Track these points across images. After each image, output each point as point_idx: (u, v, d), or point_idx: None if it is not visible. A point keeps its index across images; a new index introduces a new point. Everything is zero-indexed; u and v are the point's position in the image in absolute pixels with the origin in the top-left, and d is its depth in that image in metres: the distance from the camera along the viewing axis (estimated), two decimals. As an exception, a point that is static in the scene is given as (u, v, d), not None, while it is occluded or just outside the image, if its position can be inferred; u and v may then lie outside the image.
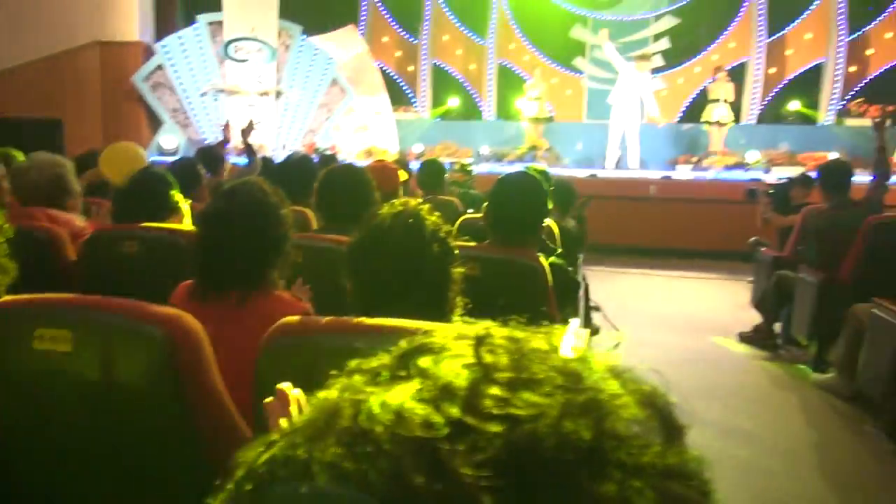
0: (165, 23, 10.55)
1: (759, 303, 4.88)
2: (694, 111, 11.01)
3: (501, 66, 12.02)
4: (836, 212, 4.28)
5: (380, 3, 12.08)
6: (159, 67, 10.01)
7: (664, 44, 11.47)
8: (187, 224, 2.67)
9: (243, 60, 10.16)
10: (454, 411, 0.34)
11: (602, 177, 8.72)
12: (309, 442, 0.35)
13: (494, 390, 0.35)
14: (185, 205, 2.73)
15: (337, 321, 1.29)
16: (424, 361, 0.38)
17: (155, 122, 10.20)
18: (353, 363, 0.41)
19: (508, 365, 0.37)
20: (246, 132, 4.63)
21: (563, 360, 0.38)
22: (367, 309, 1.30)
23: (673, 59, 11.47)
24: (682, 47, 11.48)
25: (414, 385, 0.36)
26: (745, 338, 4.81)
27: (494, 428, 0.33)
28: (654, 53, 10.79)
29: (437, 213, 1.47)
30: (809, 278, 4.21)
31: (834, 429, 3.45)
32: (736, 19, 11.34)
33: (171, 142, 9.92)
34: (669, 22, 11.48)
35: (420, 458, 0.33)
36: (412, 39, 12.10)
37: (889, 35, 10.69)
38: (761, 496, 2.79)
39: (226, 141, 5.12)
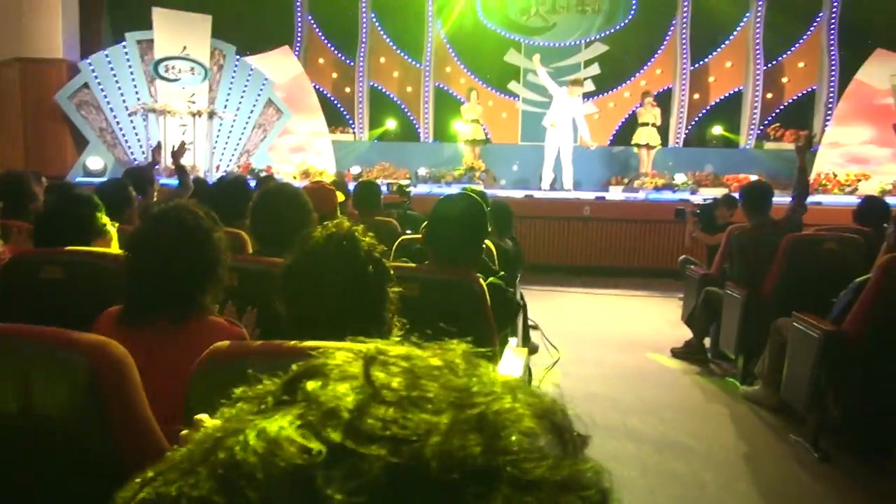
0: (91, 40, 10.22)
1: (689, 319, 5.05)
2: (624, 134, 11.40)
3: (438, 88, 12.16)
4: (758, 231, 4.48)
5: (315, 25, 12.07)
6: (85, 86, 9.67)
7: (594, 69, 11.88)
8: (115, 248, 2.56)
9: (175, 80, 9.93)
10: (335, 436, 0.33)
11: (538, 198, 8.89)
12: (183, 477, 0.34)
13: (381, 411, 0.34)
14: (112, 228, 2.62)
15: (269, 345, 1.26)
16: (312, 384, 0.37)
17: (81, 142, 9.82)
18: (238, 390, 0.40)
19: (400, 384, 0.36)
20: (177, 153, 4.51)
21: (456, 376, 0.37)
22: (301, 332, 1.27)
23: (604, 84, 11.89)
24: (612, 73, 11.91)
25: (296, 410, 0.35)
26: (677, 353, 4.96)
27: (376, 450, 0.33)
28: (585, 78, 11.13)
29: (371, 234, 1.46)
30: (735, 294, 4.38)
31: (762, 439, 3.58)
32: (661, 48, 11.85)
33: (97, 162, 9.56)
34: (599, 49, 11.91)
35: (294, 487, 0.32)
36: (348, 61, 12.11)
37: (801, 65, 11.39)
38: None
39: (155, 162, 4.97)
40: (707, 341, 4.87)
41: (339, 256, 1.38)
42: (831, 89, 10.92)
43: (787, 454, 3.37)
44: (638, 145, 10.07)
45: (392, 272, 1.46)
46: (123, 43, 9.86)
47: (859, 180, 9.55)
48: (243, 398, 0.39)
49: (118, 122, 9.83)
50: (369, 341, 0.41)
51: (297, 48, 11.71)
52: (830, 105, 10.84)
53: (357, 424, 0.34)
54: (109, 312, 1.67)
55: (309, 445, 0.33)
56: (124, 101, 9.82)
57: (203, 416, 0.81)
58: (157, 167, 4.91)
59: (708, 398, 4.19)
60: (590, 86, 11.74)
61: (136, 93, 9.87)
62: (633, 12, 11.89)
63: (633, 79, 11.94)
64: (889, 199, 5.80)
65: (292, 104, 10.86)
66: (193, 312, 1.64)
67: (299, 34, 11.83)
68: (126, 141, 9.91)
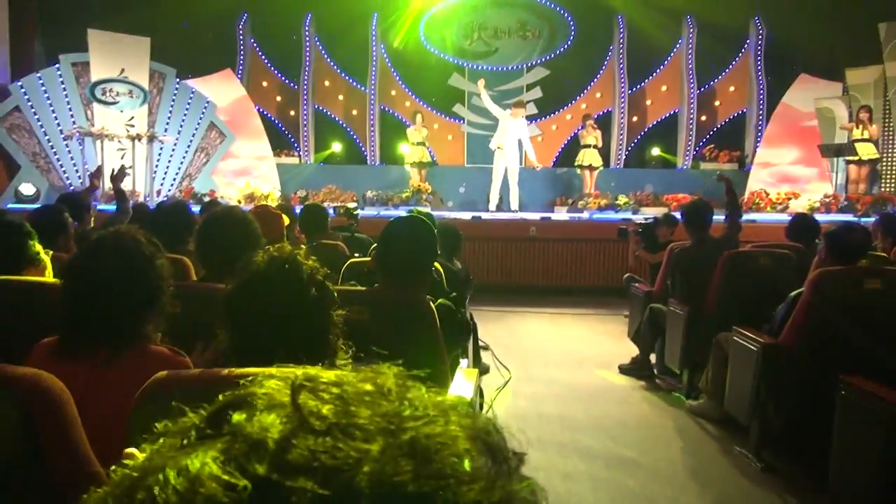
0: (23, 62, 9.87)
1: (635, 336, 5.15)
2: (567, 156, 11.67)
3: (383, 111, 12.21)
4: (698, 248, 4.62)
5: (258, 49, 11.98)
6: (16, 109, 9.33)
7: (537, 93, 12.15)
8: (49, 277, 2.46)
9: (112, 103, 9.67)
10: (261, 469, 0.33)
11: (485, 219, 8.97)
12: None
13: (309, 441, 0.34)
14: (46, 256, 2.52)
15: (208, 373, 1.22)
16: (238, 416, 0.36)
17: (12, 167, 9.44)
18: (160, 425, 0.39)
19: (330, 410, 0.36)
20: (117, 178, 4.38)
21: (388, 401, 0.37)
22: (244, 358, 1.24)
23: (546, 107, 12.16)
24: (554, 97, 12.22)
25: (220, 444, 0.34)
26: (624, 370, 5.04)
27: (304, 482, 0.32)
28: (528, 101, 11.36)
29: (313, 257, 1.45)
30: (678, 311, 4.49)
31: (708, 452, 3.66)
32: (600, 72, 12.22)
33: (29, 188, 9.19)
34: (540, 73, 12.20)
35: None
36: (293, 85, 12.05)
37: (732, 88, 11.91)
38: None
39: (94, 187, 4.81)
40: (653, 357, 4.97)
41: (280, 280, 1.36)
42: (760, 112, 11.44)
43: (731, 465, 3.45)
44: (581, 166, 10.30)
45: (337, 295, 1.45)
46: (57, 65, 9.57)
47: (789, 198, 9.99)
48: (166, 433, 0.38)
49: (52, 147, 9.50)
50: (301, 367, 0.41)
51: (240, 71, 11.59)
52: (760, 127, 11.35)
53: (284, 456, 0.33)
54: (43, 344, 1.59)
55: (232, 481, 0.32)
56: (59, 125, 9.51)
57: (133, 451, 0.78)
58: (95, 192, 4.75)
59: (655, 413, 4.27)
60: (532, 109, 11.98)
61: (72, 116, 9.57)
62: (571, 38, 12.24)
63: (574, 102, 12.26)
64: (818, 216, 6.08)
65: (236, 127, 10.72)
66: (134, 342, 1.58)
67: (242, 57, 11.71)
68: (61, 166, 9.58)
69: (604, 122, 11.29)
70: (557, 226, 8.78)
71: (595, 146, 10.23)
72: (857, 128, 9.46)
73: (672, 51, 11.94)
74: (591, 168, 10.25)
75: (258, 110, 11.27)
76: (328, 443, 0.34)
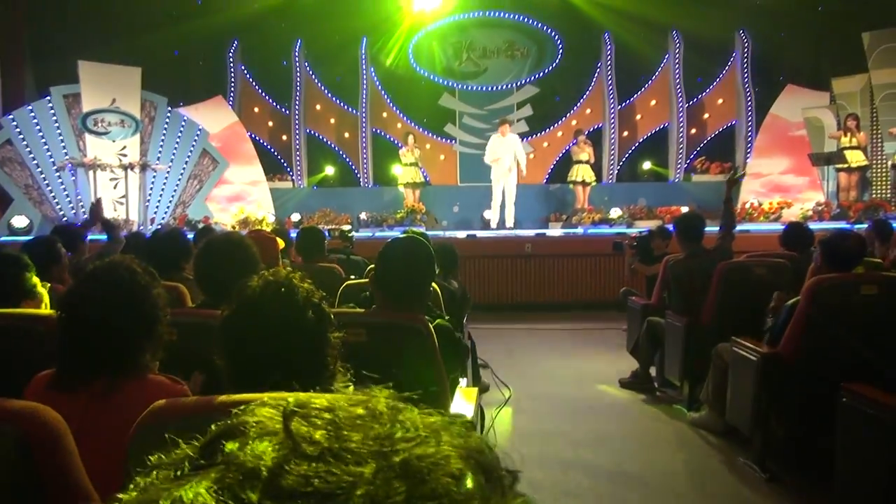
0: (13, 95, 9.90)
1: (633, 349, 5.13)
2: (559, 172, 11.74)
3: (375, 133, 12.27)
4: (692, 260, 4.64)
5: (248, 75, 12.05)
6: (8, 142, 9.34)
7: (527, 111, 12.25)
8: (46, 309, 2.45)
9: (104, 133, 9.70)
10: (254, 497, 0.33)
11: (481, 237, 8.98)
12: None
13: (302, 466, 0.34)
14: (43, 289, 2.51)
15: (205, 400, 1.21)
16: (231, 445, 0.36)
17: (4, 200, 9.42)
18: (153, 457, 0.39)
19: (323, 436, 0.36)
20: (96, 209, 4.40)
21: (380, 424, 0.38)
22: (242, 384, 1.24)
23: (537, 125, 12.25)
24: (545, 114, 12.31)
25: (214, 474, 0.35)
26: (624, 384, 5.02)
27: None
28: (518, 119, 11.43)
29: (309, 280, 1.44)
30: (675, 323, 4.49)
31: (711, 463, 3.64)
32: (589, 89, 12.33)
33: (22, 221, 9.17)
34: (530, 91, 12.31)
35: None
36: (284, 110, 12.11)
37: (720, 101, 12.02)
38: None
39: (94, 221, 4.79)
40: (653, 370, 4.96)
41: (277, 304, 1.35)
42: (749, 123, 11.54)
43: (735, 476, 3.43)
44: (574, 182, 10.35)
45: (334, 318, 1.44)
46: (48, 97, 9.60)
47: (782, 208, 10.05)
48: (159, 465, 0.38)
49: (44, 178, 9.50)
50: (293, 394, 0.41)
51: (231, 98, 11.65)
52: (750, 138, 11.45)
53: (277, 483, 0.33)
54: (42, 376, 1.58)
55: None
56: (51, 157, 9.51)
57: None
58: (92, 224, 4.74)
59: (657, 426, 4.25)
60: (523, 126, 12.08)
61: (64, 147, 9.58)
62: (559, 56, 12.36)
63: (564, 119, 12.35)
64: (811, 225, 6.11)
65: (228, 153, 10.75)
66: (132, 372, 1.57)
67: (232, 84, 11.78)
68: (54, 197, 9.57)
69: (594, 138, 11.37)
70: (552, 242, 8.80)
71: (588, 162, 10.28)
72: (846, 136, 9.55)
73: (659, 65, 12.06)
74: (584, 184, 10.30)
75: (250, 136, 11.32)
76: (321, 468, 0.34)
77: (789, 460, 3.51)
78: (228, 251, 2.53)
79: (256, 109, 12.08)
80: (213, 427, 0.39)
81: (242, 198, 10.82)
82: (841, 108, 10.40)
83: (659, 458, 3.71)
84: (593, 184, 10.47)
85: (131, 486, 0.37)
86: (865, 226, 6.01)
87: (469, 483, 0.36)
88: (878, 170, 10.26)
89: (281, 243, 3.90)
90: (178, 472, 0.36)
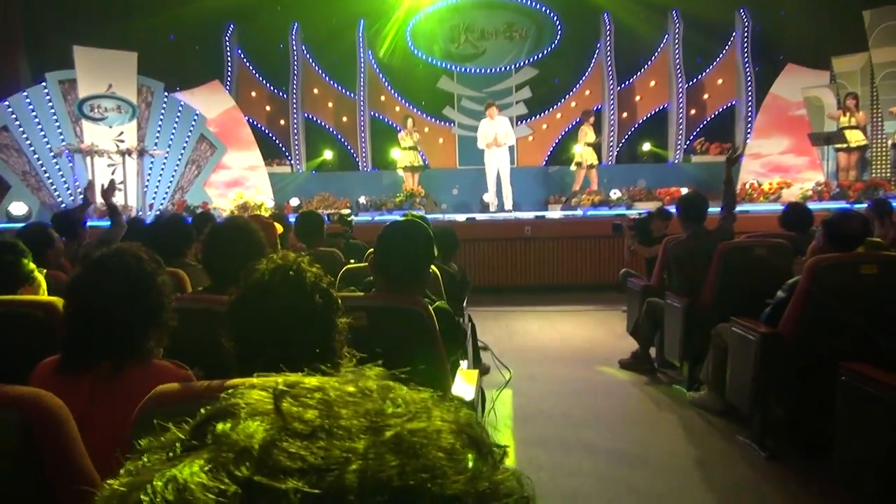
0: (8, 82, 9.84)
1: (633, 330, 5.15)
2: (559, 154, 11.69)
3: (373, 117, 12.21)
4: (694, 241, 4.63)
5: (245, 59, 11.97)
6: (4, 128, 9.29)
7: (526, 93, 12.18)
8: (44, 294, 2.45)
9: (101, 119, 9.65)
10: (247, 473, 0.33)
11: (480, 220, 8.97)
12: None
13: (292, 444, 0.34)
14: (40, 274, 2.50)
15: (213, 384, 1.22)
16: (222, 426, 0.37)
17: (2, 187, 9.40)
18: (144, 441, 0.39)
19: (314, 414, 0.36)
20: (108, 192, 4.36)
21: (370, 401, 0.38)
22: (249, 368, 1.24)
23: (536, 107, 12.18)
24: (544, 96, 12.23)
25: (206, 454, 0.35)
26: (625, 364, 5.04)
27: (293, 483, 0.33)
28: (514, 102, 11.35)
29: (317, 265, 1.44)
30: (675, 304, 4.50)
31: (711, 443, 3.66)
32: (588, 70, 12.25)
33: (20, 207, 9.16)
34: (529, 73, 12.22)
35: None
36: (282, 94, 12.04)
37: (720, 81, 11.95)
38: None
39: (88, 203, 4.79)
40: (653, 351, 4.97)
41: (285, 289, 1.35)
42: (749, 103, 11.48)
43: (735, 455, 3.45)
44: (580, 165, 10.29)
45: (339, 302, 1.44)
46: (44, 83, 9.54)
47: (782, 188, 10.03)
48: (149, 449, 0.38)
49: (42, 165, 9.47)
50: (283, 375, 0.41)
51: (228, 82, 11.58)
52: (750, 118, 11.39)
53: (268, 460, 0.34)
54: (47, 362, 1.59)
55: (222, 487, 0.33)
56: (48, 143, 9.47)
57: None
58: (89, 208, 4.73)
59: (657, 407, 4.27)
60: (522, 109, 12.02)
61: (60, 134, 9.53)
62: (558, 37, 12.27)
63: (563, 101, 12.28)
64: (811, 205, 6.10)
65: (226, 138, 10.71)
66: (137, 357, 1.57)
67: (229, 68, 11.70)
68: (51, 183, 9.54)
69: (594, 120, 11.28)
70: (552, 224, 8.79)
71: (593, 144, 10.23)
72: (845, 115, 9.51)
73: (659, 46, 11.98)
74: (591, 166, 10.24)
75: (248, 121, 11.27)
76: (313, 444, 0.34)
77: (788, 439, 3.53)
78: (234, 236, 2.53)
79: (254, 94, 12.02)
80: (202, 410, 0.39)
81: (241, 183, 10.80)
82: (841, 87, 10.35)
83: (659, 438, 3.73)
84: (597, 166, 10.42)
85: (122, 471, 0.37)
86: (865, 206, 6.00)
87: (460, 457, 0.36)
88: (878, 149, 10.23)
89: (280, 228, 3.89)
90: (170, 454, 0.37)
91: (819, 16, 10.50)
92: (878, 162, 10.29)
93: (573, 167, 10.39)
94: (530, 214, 9.34)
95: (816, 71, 10.74)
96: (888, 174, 9.90)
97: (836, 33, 10.57)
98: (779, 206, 7.03)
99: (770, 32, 11.50)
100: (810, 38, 10.91)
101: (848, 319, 3.17)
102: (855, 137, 9.46)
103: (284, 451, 0.34)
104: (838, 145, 9.61)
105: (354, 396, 0.38)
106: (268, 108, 12.12)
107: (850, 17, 10.03)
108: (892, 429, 2.53)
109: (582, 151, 10.20)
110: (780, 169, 10.72)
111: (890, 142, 9.66)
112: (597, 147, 10.38)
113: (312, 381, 0.40)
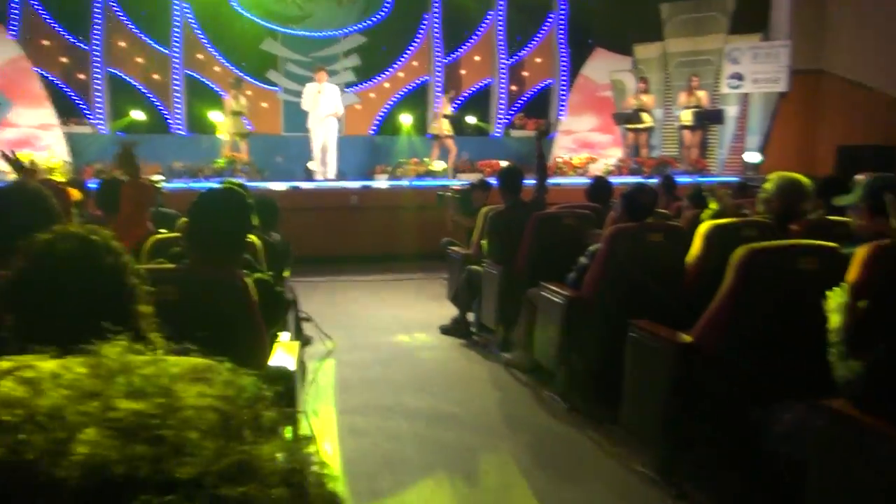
0: None
1: (453, 297, 5.36)
2: (386, 123, 11.71)
3: (189, 77, 11.38)
4: (511, 211, 4.89)
5: (35, 3, 10.56)
6: None
7: (354, 60, 11.99)
8: None
9: None
10: None
11: (304, 189, 8.77)
12: None
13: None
14: None
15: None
16: None
17: None
18: None
19: (18, 399, 0.36)
20: None
21: (100, 382, 0.37)
22: (32, 341, 1.13)
23: (364, 75, 12.05)
24: (372, 65, 12.12)
25: None
26: (445, 330, 5.25)
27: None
28: (341, 69, 11.18)
29: (114, 235, 1.34)
30: (492, 271, 4.75)
31: (521, 399, 3.95)
32: (416, 41, 12.33)
33: None
34: (357, 40, 12.04)
35: None
36: (81, 44, 10.80)
37: (538, 60, 12.61)
38: (470, 473, 3.08)
39: None
40: (471, 316, 5.22)
41: (72, 261, 1.25)
42: (563, 83, 12.26)
43: (541, 409, 3.76)
44: (439, 137, 10.43)
45: (143, 274, 1.35)
46: None
47: (588, 163, 10.89)
48: None
49: None
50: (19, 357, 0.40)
51: (14, 28, 10.17)
52: (563, 97, 12.17)
53: None
54: None
55: None
56: None
57: None
58: None
59: (473, 369, 4.51)
60: (350, 76, 11.85)
61: None
62: (388, 6, 12.19)
63: (391, 70, 12.27)
64: (612, 179, 6.68)
65: (12, 92, 9.46)
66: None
67: (15, 12, 10.27)
68: None
69: (420, 92, 11.45)
70: (378, 194, 8.83)
71: (450, 117, 10.51)
72: (635, 99, 10.58)
73: (484, 22, 12.35)
74: (448, 136, 10.43)
75: (39, 72, 10.00)
76: (24, 436, 0.33)
77: (588, 392, 3.90)
78: (21, 204, 2.23)
79: (46, 42, 10.65)
80: None
81: (31, 143, 9.59)
82: (641, 72, 11.38)
83: (474, 398, 3.96)
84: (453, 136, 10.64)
85: None
86: (655, 180, 6.70)
87: (201, 434, 0.35)
88: (670, 129, 11.42)
89: (76, 195, 3.54)
90: None
91: (623, 5, 11.39)
92: (670, 141, 11.50)
93: (430, 135, 10.57)
94: (356, 184, 9.30)
95: (621, 56, 11.70)
96: (676, 153, 11.10)
97: (637, 23, 11.55)
98: (586, 180, 7.61)
99: (582, 17, 12.29)
100: (616, 25, 11.82)
101: (639, 281, 3.54)
102: (644, 119, 10.57)
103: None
104: (637, 125, 10.65)
105: (82, 379, 0.37)
106: (64, 59, 10.81)
107: (650, 9, 11.04)
108: (669, 377, 2.89)
109: (440, 123, 10.36)
110: (588, 145, 11.61)
111: (677, 124, 10.82)
112: (453, 120, 10.62)
113: (50, 365, 0.38)
